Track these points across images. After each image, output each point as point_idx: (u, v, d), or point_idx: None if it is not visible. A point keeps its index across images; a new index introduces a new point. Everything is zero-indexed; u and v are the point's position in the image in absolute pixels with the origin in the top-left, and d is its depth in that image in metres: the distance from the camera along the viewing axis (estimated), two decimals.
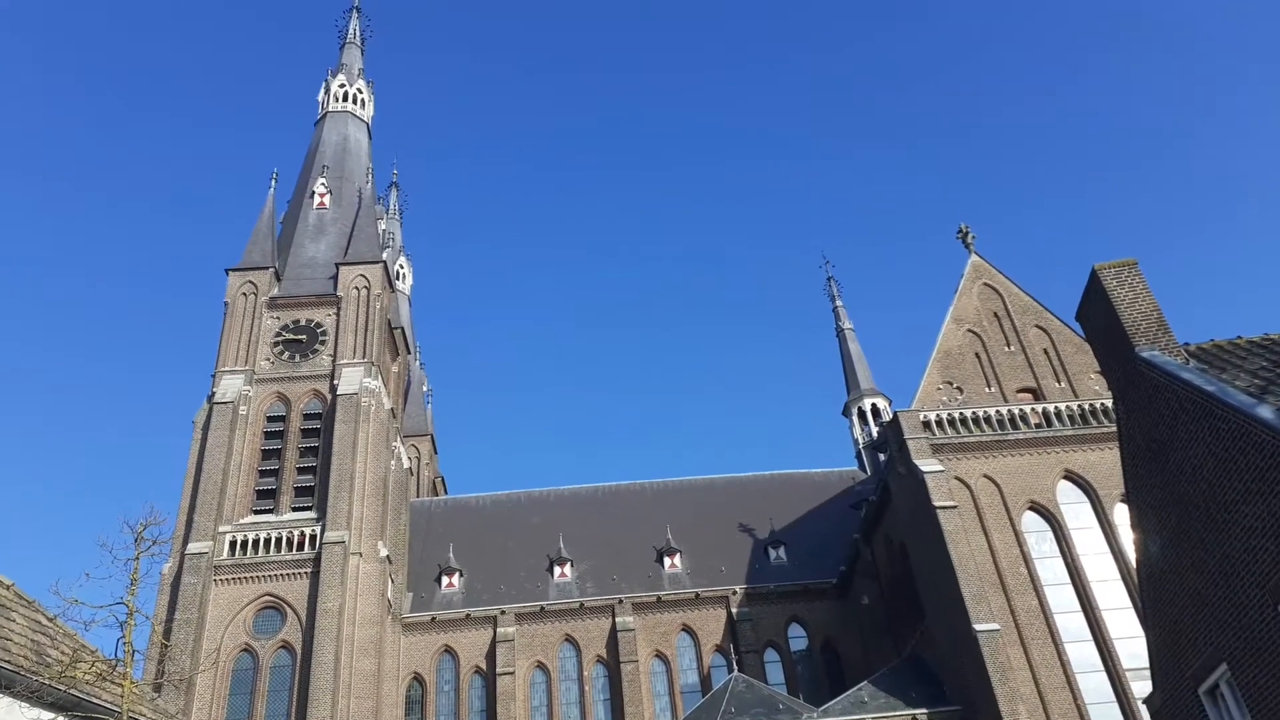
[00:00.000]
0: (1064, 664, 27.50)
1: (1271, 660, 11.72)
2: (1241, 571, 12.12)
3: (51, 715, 12.75)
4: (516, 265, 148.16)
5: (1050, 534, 30.12)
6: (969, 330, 34.91)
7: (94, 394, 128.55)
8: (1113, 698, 26.96)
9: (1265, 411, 11.33)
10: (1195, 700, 13.94)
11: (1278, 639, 11.51)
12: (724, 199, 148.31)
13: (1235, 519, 12.08)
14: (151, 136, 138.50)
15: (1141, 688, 23.82)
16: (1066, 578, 29.24)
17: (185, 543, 34.68)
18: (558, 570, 40.30)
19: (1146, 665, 16.00)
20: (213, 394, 39.02)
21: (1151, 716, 16.02)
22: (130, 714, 12.95)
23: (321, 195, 47.72)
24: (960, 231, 37.56)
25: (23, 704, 12.63)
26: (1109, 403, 30.35)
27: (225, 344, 40.70)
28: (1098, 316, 15.23)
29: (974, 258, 36.96)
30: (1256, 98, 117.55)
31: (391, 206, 65.67)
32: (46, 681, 13.00)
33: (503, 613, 38.50)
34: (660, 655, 38.31)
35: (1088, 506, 30.50)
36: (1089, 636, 28.12)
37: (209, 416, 38.13)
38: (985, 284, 36.34)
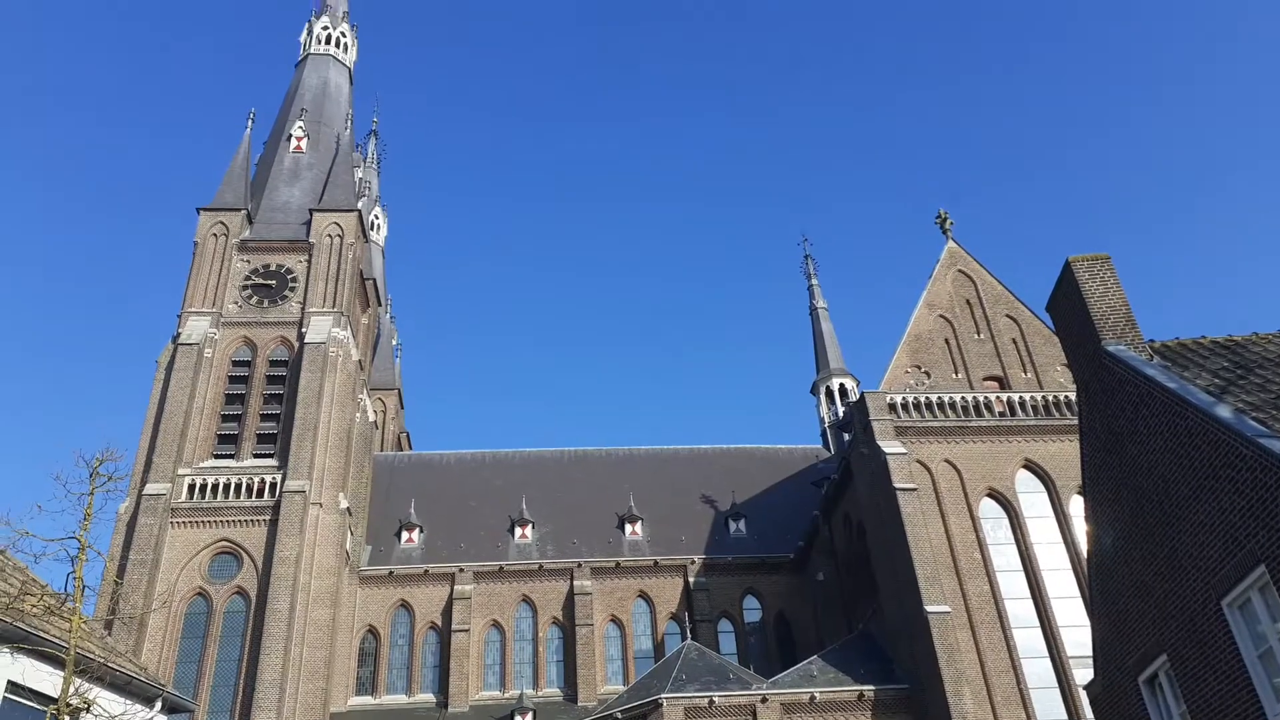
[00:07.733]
0: (1010, 649, 28.05)
1: (1210, 653, 12.00)
2: (1188, 566, 12.35)
3: None
4: (492, 225, 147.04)
5: (1006, 521, 30.57)
6: (940, 316, 35.13)
7: (57, 324, 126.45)
8: (1055, 683, 27.57)
9: (1223, 411, 11.50)
10: (1134, 689, 14.26)
11: (1217, 633, 11.77)
12: (705, 166, 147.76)
13: (1186, 515, 12.29)
14: (131, 70, 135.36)
15: (1083, 675, 24.29)
16: (1019, 565, 29.74)
17: (143, 483, 34.38)
18: (518, 531, 40.35)
19: (1089, 653, 16.33)
20: (178, 334, 38.54)
21: (1091, 703, 16.39)
22: (78, 649, 12.83)
23: (298, 139, 46.95)
24: (939, 217, 37.71)
25: None
26: (1072, 395, 30.72)
27: (193, 284, 40.12)
28: (1068, 308, 15.38)
29: (950, 243, 37.14)
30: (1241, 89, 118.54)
31: (370, 155, 64.80)
32: None
33: (461, 570, 38.52)
34: (616, 620, 38.59)
35: (1045, 496, 30.96)
36: (1036, 623, 28.67)
37: (173, 357, 37.66)
38: (960, 270, 36.54)
